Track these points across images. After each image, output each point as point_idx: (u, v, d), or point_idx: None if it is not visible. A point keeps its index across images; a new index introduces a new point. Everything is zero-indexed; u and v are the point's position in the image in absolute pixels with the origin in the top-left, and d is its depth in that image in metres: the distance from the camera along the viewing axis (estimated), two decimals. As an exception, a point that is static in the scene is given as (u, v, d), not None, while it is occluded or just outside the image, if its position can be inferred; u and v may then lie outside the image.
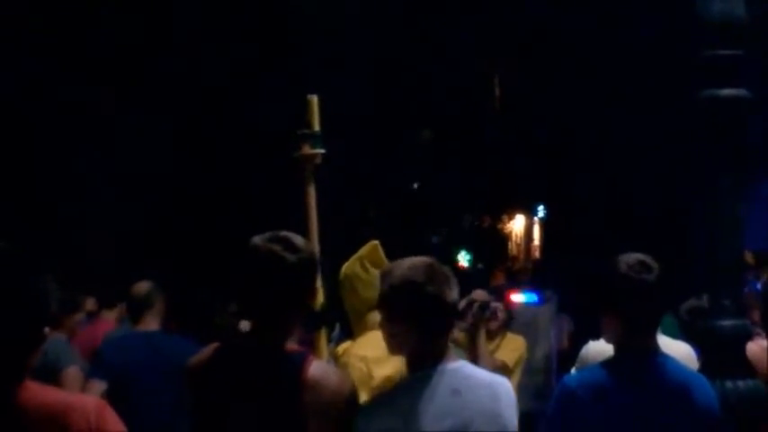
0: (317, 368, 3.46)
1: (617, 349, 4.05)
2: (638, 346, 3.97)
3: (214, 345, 3.64)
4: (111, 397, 6.36)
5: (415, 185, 20.01)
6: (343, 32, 16.17)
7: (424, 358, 3.64)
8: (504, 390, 3.67)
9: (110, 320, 9.29)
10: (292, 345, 3.54)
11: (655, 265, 3.98)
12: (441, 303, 3.61)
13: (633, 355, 3.97)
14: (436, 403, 3.57)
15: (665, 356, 4.02)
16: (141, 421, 6.32)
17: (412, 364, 3.68)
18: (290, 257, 3.46)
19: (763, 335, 5.57)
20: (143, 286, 7.08)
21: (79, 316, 8.87)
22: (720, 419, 3.98)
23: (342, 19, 16.06)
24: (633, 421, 3.86)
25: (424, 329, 3.62)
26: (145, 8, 15.56)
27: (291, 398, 3.38)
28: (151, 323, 7.02)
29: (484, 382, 3.66)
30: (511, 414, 3.64)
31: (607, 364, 4.04)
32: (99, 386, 6.57)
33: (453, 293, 3.66)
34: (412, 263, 3.67)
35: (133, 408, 6.36)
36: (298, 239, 3.55)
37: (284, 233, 3.56)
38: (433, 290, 3.60)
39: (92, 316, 9.67)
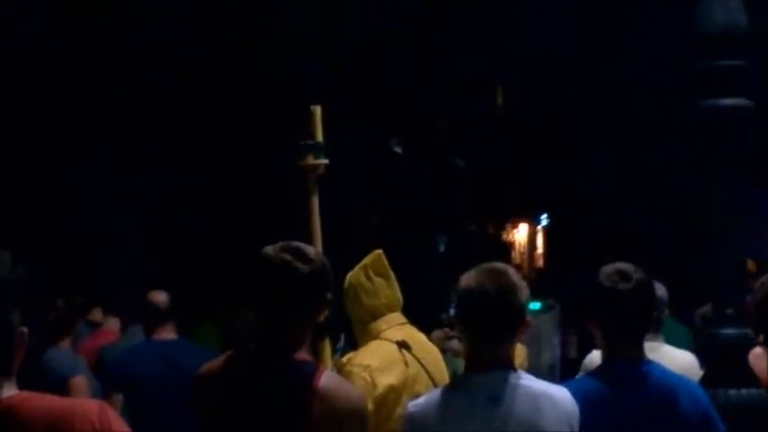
0: (328, 379, 3.46)
1: (602, 358, 4.07)
2: (621, 355, 3.98)
3: (226, 354, 3.66)
4: (128, 406, 6.39)
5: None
6: (341, 35, 16.18)
7: (477, 362, 3.66)
8: (553, 402, 3.63)
9: (113, 330, 9.27)
10: (304, 354, 3.55)
11: (636, 274, 3.98)
12: (499, 309, 3.62)
13: (617, 364, 3.98)
14: (469, 408, 3.59)
15: (651, 363, 4.03)
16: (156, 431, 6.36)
17: (467, 369, 3.72)
18: (303, 268, 3.47)
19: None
20: (162, 296, 7.07)
21: (79, 324, 8.87)
22: (710, 423, 3.99)
23: (340, 21, 16.07)
24: (620, 429, 3.88)
25: (482, 334, 3.64)
26: (139, 18, 15.59)
27: (301, 408, 3.38)
28: (169, 332, 7.02)
29: (530, 392, 3.63)
30: (557, 428, 3.61)
31: (594, 373, 4.07)
32: (118, 399, 6.59)
33: (515, 300, 3.64)
34: (482, 267, 3.72)
35: (151, 418, 6.39)
36: (310, 249, 3.55)
37: (296, 243, 3.57)
38: (493, 295, 3.61)
39: (95, 326, 9.65)
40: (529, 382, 3.68)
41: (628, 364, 3.98)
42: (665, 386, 3.96)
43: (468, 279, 3.70)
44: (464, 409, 3.60)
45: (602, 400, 3.87)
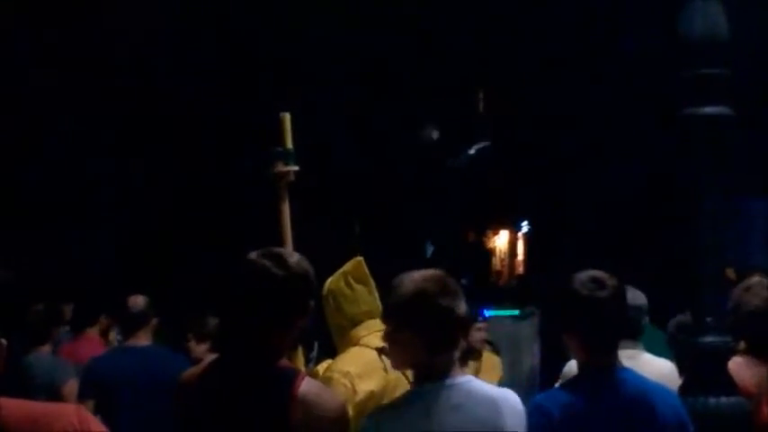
0: (308, 385, 3.46)
1: (579, 367, 4.07)
2: (597, 363, 3.98)
3: (207, 360, 3.66)
4: (101, 413, 6.35)
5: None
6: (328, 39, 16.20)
7: (430, 371, 3.65)
8: (509, 404, 3.67)
9: (93, 336, 9.22)
10: (284, 361, 3.55)
11: (611, 281, 3.99)
12: (451, 316, 3.63)
13: (593, 373, 3.98)
14: (437, 418, 3.59)
15: (627, 371, 4.04)
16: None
17: (418, 377, 3.70)
18: (280, 273, 3.48)
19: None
20: (139, 301, 7.05)
21: (61, 329, 8.82)
22: (686, 429, 4.00)
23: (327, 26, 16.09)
24: None
25: (433, 342, 3.63)
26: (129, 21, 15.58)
27: (280, 415, 3.38)
28: (143, 338, 7.00)
29: (487, 396, 3.66)
30: (516, 427, 3.64)
31: (570, 382, 4.07)
32: (89, 405, 6.55)
33: (463, 307, 3.67)
34: (424, 275, 3.69)
35: (123, 424, 6.36)
36: (292, 257, 3.57)
37: (279, 249, 3.59)
38: (445, 303, 3.62)
39: (75, 332, 9.58)
40: (482, 386, 3.73)
41: (604, 373, 3.98)
42: (642, 393, 3.96)
43: (415, 283, 3.67)
44: (427, 419, 3.60)
45: (578, 410, 3.87)
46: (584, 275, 4.00)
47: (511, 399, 3.71)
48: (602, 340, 4.00)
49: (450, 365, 3.66)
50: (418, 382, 3.71)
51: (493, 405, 3.63)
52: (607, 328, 3.99)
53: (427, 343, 3.63)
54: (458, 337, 3.70)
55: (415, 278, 3.68)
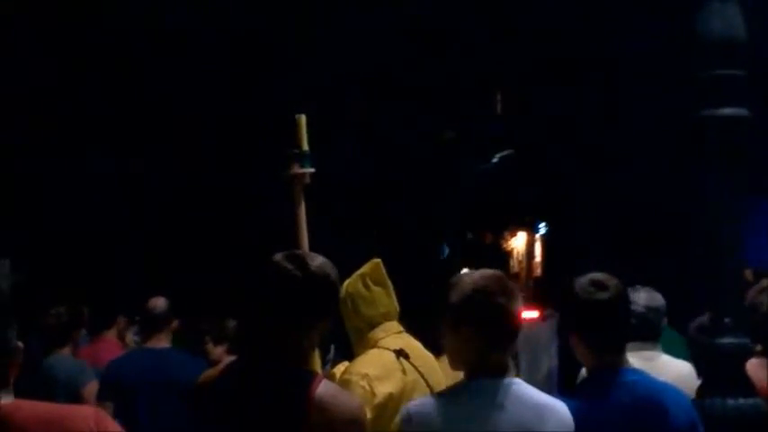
0: (325, 387, 3.45)
1: (586, 370, 4.07)
2: (604, 366, 3.97)
3: (225, 362, 3.66)
4: (120, 415, 6.37)
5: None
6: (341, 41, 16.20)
7: (485, 369, 3.67)
8: (556, 415, 3.65)
9: (110, 339, 9.24)
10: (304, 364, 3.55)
11: (612, 283, 3.98)
12: (509, 315, 3.66)
13: (601, 375, 3.97)
14: (478, 414, 3.60)
15: (636, 372, 4.02)
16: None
17: (471, 375, 3.71)
18: (299, 275, 3.48)
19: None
20: (160, 303, 7.06)
21: (80, 332, 8.84)
22: (696, 429, 3.98)
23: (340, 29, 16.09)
24: None
25: (491, 339, 3.65)
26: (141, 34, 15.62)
27: (297, 417, 3.37)
28: (162, 341, 7.02)
29: (532, 401, 3.66)
30: None
31: (579, 386, 4.06)
32: (109, 408, 6.57)
33: (519, 307, 3.70)
34: (483, 273, 3.74)
35: (141, 426, 6.37)
36: (315, 260, 3.56)
37: (302, 252, 3.60)
38: (504, 301, 3.65)
39: (93, 334, 9.61)
40: (531, 391, 3.71)
41: (612, 375, 3.96)
42: (651, 395, 3.93)
43: (475, 281, 3.70)
44: (468, 413, 3.62)
45: (586, 414, 3.82)
46: (585, 278, 4.01)
47: (559, 409, 3.69)
48: (606, 342, 3.98)
49: (504, 364, 3.68)
50: (469, 375, 3.71)
51: (539, 411, 3.63)
52: (609, 330, 3.98)
53: (485, 340, 3.65)
54: (515, 335, 3.71)
55: (474, 277, 3.73)
